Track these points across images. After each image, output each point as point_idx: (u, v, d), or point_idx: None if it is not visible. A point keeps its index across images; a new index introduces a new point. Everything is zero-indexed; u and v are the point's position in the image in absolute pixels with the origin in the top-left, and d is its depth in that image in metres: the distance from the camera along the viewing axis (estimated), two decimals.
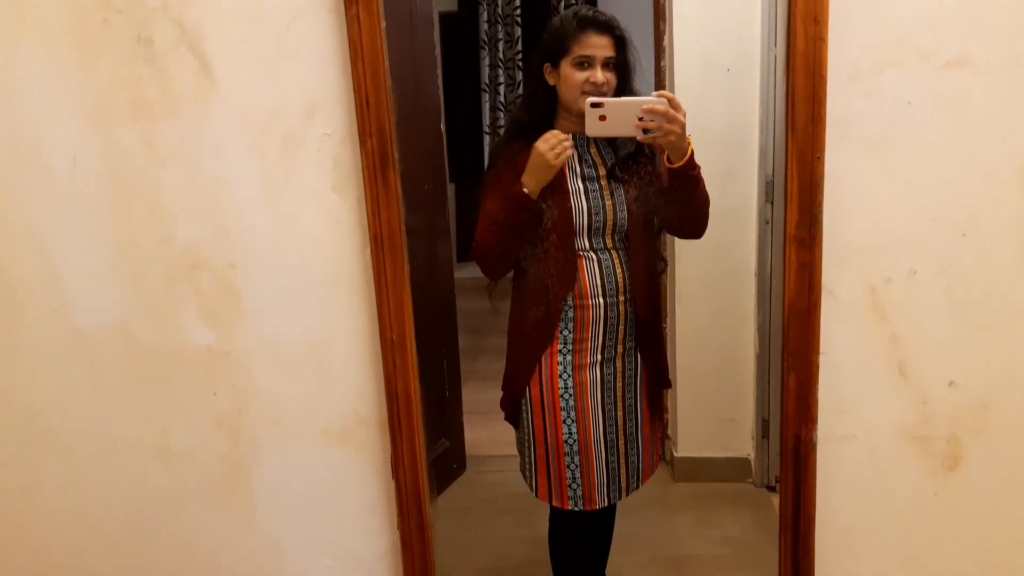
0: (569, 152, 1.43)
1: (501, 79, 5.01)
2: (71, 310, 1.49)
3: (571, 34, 1.48)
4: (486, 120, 5.07)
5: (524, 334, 1.59)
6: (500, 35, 4.99)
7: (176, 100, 1.39)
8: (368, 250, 1.37)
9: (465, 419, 2.64)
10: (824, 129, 1.26)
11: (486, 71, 5.02)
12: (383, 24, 1.28)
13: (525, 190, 1.45)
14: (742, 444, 2.59)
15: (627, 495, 1.65)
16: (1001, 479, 1.40)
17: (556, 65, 1.51)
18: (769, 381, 2.46)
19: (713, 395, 2.59)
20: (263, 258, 1.42)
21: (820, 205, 1.28)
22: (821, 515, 1.40)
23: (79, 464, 1.56)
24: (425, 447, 1.43)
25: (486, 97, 5.04)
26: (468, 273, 2.60)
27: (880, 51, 1.27)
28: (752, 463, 2.57)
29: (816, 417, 1.36)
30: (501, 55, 5.01)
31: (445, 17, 4.83)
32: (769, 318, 2.43)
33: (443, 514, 2.33)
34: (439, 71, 2.45)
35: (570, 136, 1.44)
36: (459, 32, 4.98)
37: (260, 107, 1.37)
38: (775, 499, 2.49)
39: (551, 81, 1.53)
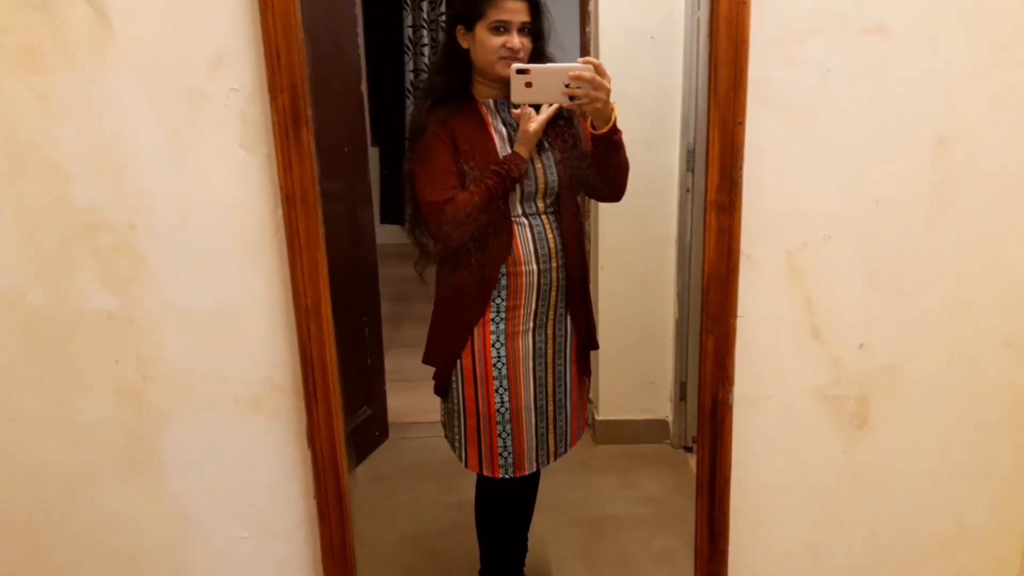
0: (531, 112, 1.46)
1: (425, 40, 4.90)
2: None
3: None
4: (408, 81, 4.96)
5: (455, 304, 1.56)
6: None
7: (71, 50, 1.29)
8: (280, 211, 1.31)
9: (388, 387, 2.58)
10: (745, 95, 1.26)
11: (408, 32, 4.90)
12: None
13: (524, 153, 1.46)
14: (661, 406, 2.63)
15: (555, 459, 1.65)
16: (906, 437, 1.45)
17: (470, 28, 1.48)
18: (687, 345, 2.53)
19: (634, 359, 2.63)
20: (167, 219, 1.35)
21: (740, 170, 1.28)
22: (736, 476, 1.43)
23: None
24: (343, 415, 1.40)
25: (408, 58, 4.93)
26: (390, 239, 2.55)
27: (802, 17, 1.28)
28: (670, 425, 2.63)
29: (733, 379, 1.38)
30: (425, 15, 4.89)
31: None
32: (688, 284, 2.48)
33: (365, 481, 2.34)
34: (360, 30, 2.36)
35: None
36: None
37: (162, 58, 1.28)
38: (692, 460, 2.56)
39: (464, 44, 1.50)
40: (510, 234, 1.52)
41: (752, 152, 1.30)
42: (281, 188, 1.28)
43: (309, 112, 1.25)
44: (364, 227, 2.44)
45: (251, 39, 1.26)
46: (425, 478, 2.38)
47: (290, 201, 1.28)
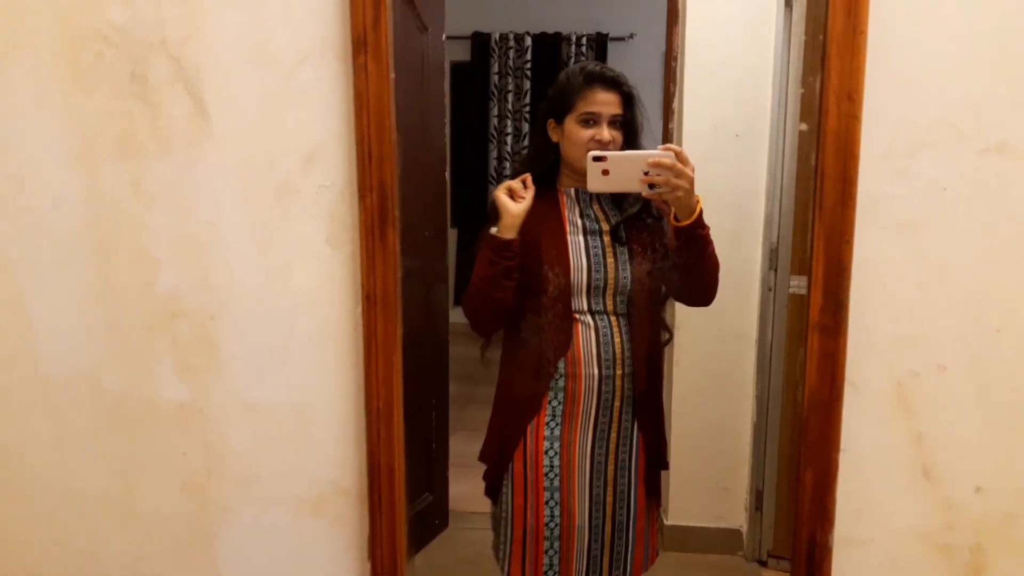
0: (518, 187, 1.38)
1: (508, 129, 5.02)
2: (38, 354, 1.39)
3: (577, 90, 1.42)
4: (492, 168, 5.07)
5: (510, 400, 1.48)
6: (510, 86, 5.02)
7: (168, 139, 1.32)
8: (360, 309, 1.28)
9: (451, 472, 2.54)
10: (854, 211, 1.18)
11: (494, 121, 5.04)
12: (392, 75, 1.21)
13: (493, 230, 1.37)
14: (735, 515, 2.54)
15: None
16: None
17: (560, 122, 1.45)
18: (765, 452, 2.41)
19: (707, 463, 2.55)
20: (247, 311, 1.33)
21: (847, 291, 1.20)
22: None
23: (35, 517, 1.45)
24: (407, 526, 1.33)
25: (493, 146, 5.05)
26: (463, 319, 2.53)
27: (915, 131, 1.21)
28: (744, 535, 2.52)
29: (833, 518, 1.26)
30: (509, 106, 5.02)
31: (457, 67, 4.88)
32: (768, 387, 2.37)
33: (422, 573, 2.24)
34: (447, 120, 2.41)
35: (527, 176, 1.39)
36: (470, 82, 5.02)
37: (256, 152, 1.30)
38: (766, 574, 2.43)
39: (554, 138, 1.47)
40: (570, 331, 1.43)
41: (860, 271, 1.21)
42: (363, 287, 1.26)
43: (396, 212, 1.23)
44: (438, 306, 2.44)
45: (344, 138, 1.27)
46: (483, 573, 2.28)
47: (371, 301, 1.25)
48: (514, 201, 1.36)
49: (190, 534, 1.42)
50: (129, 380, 1.38)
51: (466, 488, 2.55)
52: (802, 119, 2.10)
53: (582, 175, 1.40)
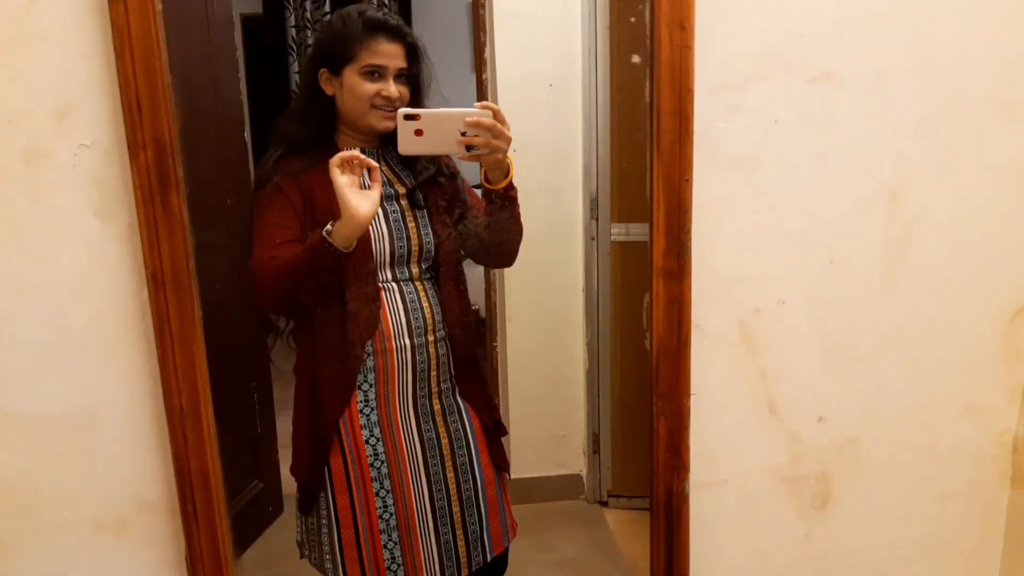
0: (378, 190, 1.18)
1: (309, 40, 4.71)
2: None
3: (357, 38, 1.26)
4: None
5: (315, 396, 1.31)
6: (309, 40, 4.70)
7: None
8: (145, 292, 1.08)
9: (280, 454, 2.37)
10: (692, 148, 1.13)
11: (295, 77, 4.71)
12: (159, 6, 0.99)
13: (327, 228, 1.17)
14: (574, 461, 2.59)
15: (471, 570, 1.40)
16: (870, 516, 1.34)
17: (337, 72, 1.28)
18: (599, 397, 2.46)
19: (544, 414, 2.59)
20: (3, 307, 1.09)
21: (689, 232, 1.14)
22: (693, 567, 1.28)
23: None
24: (230, 533, 1.15)
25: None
26: None
27: (746, 62, 1.17)
28: (584, 479, 2.60)
29: (688, 465, 1.23)
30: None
31: (248, 20, 4.53)
32: (598, 334, 2.41)
33: (258, 566, 2.11)
34: (241, 76, 2.19)
35: (377, 168, 1.19)
36: (264, 36, 4.67)
37: None
38: (608, 514, 2.55)
39: (329, 90, 1.30)
40: (377, 303, 1.30)
41: (699, 211, 1.17)
42: (146, 265, 1.05)
43: (180, 172, 1.03)
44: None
45: (106, 86, 1.04)
46: None
47: (157, 280, 1.05)
48: (360, 191, 1.16)
49: None
50: None
51: None
52: (635, 51, 2.09)
53: (366, 134, 1.28)
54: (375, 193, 1.16)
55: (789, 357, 1.26)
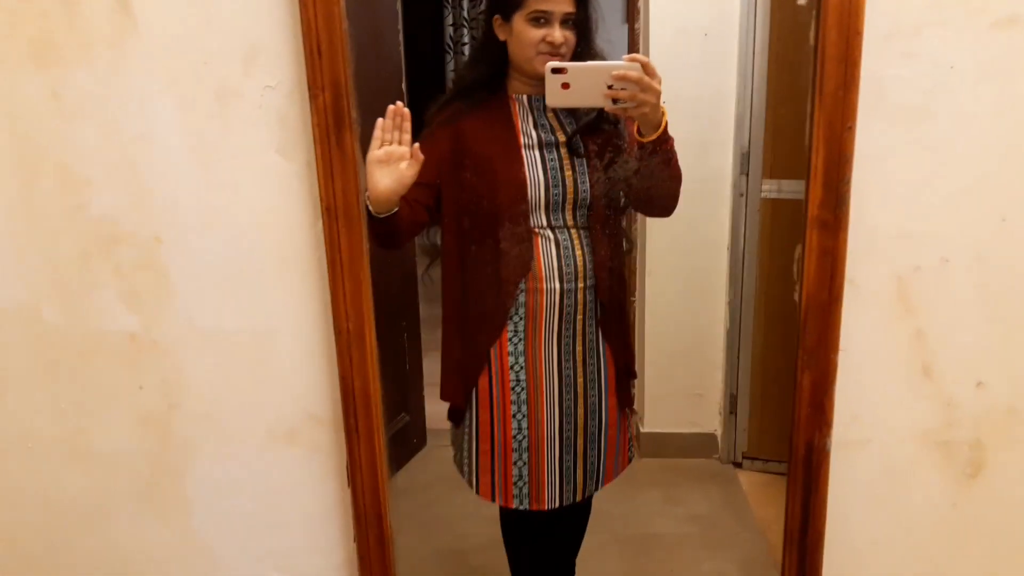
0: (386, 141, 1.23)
1: (465, 39, 4.78)
2: None
3: None
4: (448, 81, 4.84)
5: (467, 325, 1.41)
6: None
7: (88, 43, 1.16)
8: (320, 224, 1.16)
9: (426, 391, 2.50)
10: (857, 95, 1.08)
11: (449, 31, 4.78)
12: None
13: (368, 203, 1.23)
14: (709, 420, 2.56)
15: (582, 496, 1.49)
16: None
17: (508, 18, 1.32)
18: (739, 357, 2.41)
19: (681, 370, 2.57)
20: (194, 232, 1.21)
21: (848, 183, 1.11)
22: (830, 529, 1.26)
23: None
24: (386, 452, 1.25)
25: (449, 57, 4.81)
26: (429, 238, 2.46)
27: (922, 5, 1.10)
28: (719, 439, 2.56)
29: (832, 421, 1.21)
30: (465, 14, 4.76)
31: None
32: (741, 293, 2.35)
33: (402, 492, 2.26)
34: (400, 28, 2.25)
35: (408, 119, 1.24)
36: None
37: (189, 52, 1.15)
38: (742, 475, 2.51)
39: (501, 36, 1.34)
40: (531, 247, 1.36)
41: (861, 162, 1.12)
42: (321, 199, 1.14)
43: (354, 114, 1.10)
44: None
45: (290, 31, 1.12)
46: (463, 488, 2.29)
47: (331, 214, 1.13)
48: (388, 167, 1.23)
49: (153, 474, 1.33)
50: (72, 311, 1.26)
51: (442, 406, 2.51)
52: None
53: (533, 79, 1.31)
54: (400, 171, 1.22)
55: (949, 319, 1.20)
